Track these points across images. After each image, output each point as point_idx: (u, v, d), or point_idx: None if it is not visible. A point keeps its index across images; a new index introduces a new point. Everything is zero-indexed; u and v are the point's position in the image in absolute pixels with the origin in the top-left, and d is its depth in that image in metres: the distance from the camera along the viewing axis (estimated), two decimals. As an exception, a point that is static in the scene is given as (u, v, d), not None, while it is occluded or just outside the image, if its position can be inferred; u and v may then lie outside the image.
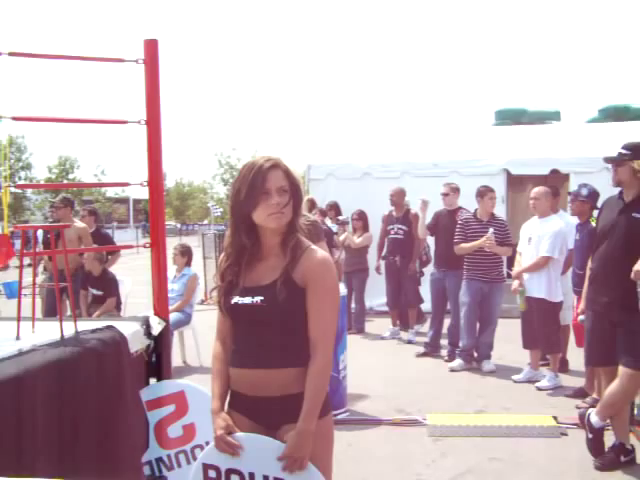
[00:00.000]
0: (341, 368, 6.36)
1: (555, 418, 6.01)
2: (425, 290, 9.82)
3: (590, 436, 5.00)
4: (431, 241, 9.28)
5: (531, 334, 7.42)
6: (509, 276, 8.28)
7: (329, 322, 2.60)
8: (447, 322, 8.79)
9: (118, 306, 8.43)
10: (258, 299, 2.54)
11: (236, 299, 2.60)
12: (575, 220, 7.34)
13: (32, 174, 46.55)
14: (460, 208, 8.78)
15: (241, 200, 2.55)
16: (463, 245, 8.08)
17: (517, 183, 12.09)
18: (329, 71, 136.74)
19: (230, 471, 2.57)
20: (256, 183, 2.52)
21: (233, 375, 2.65)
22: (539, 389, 7.15)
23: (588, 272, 5.54)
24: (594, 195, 7.13)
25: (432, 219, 9.01)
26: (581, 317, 6.06)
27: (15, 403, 2.45)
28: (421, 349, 9.05)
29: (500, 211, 9.72)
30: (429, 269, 9.58)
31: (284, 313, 2.53)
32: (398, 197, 9.96)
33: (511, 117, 17.76)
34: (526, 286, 7.38)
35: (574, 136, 12.97)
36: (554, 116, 18.26)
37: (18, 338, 3.10)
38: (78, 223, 8.74)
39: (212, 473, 2.62)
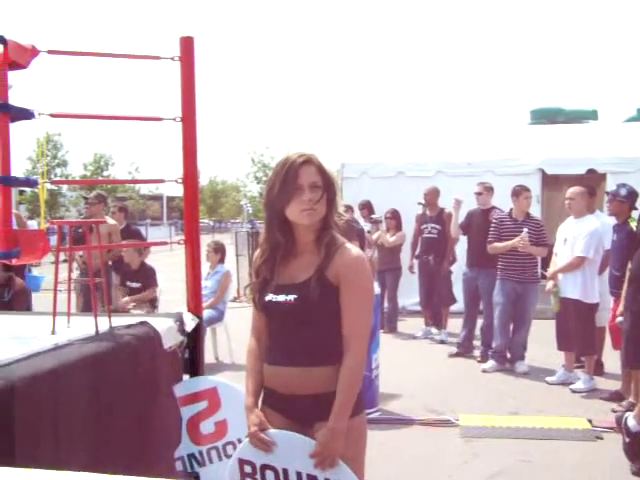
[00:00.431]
0: (373, 367, 6.34)
1: (590, 421, 5.94)
2: (456, 289, 9.77)
3: (627, 440, 4.93)
4: (464, 240, 9.21)
5: (566, 336, 7.33)
6: (544, 277, 8.18)
7: (363, 320, 2.58)
8: (480, 322, 8.73)
9: (153, 302, 8.51)
10: (292, 297, 2.54)
11: (270, 297, 2.59)
12: (612, 220, 7.24)
13: (68, 171, 47.02)
14: (493, 207, 8.71)
15: (274, 196, 2.54)
16: (496, 244, 8.02)
17: (552, 183, 11.95)
18: (366, 69, 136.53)
19: (265, 467, 2.58)
20: (288, 179, 2.51)
21: (267, 372, 2.65)
22: (573, 391, 7.05)
23: (627, 273, 5.45)
24: (633, 195, 7.03)
25: (465, 218, 8.95)
26: (619, 319, 5.98)
27: (52, 396, 2.47)
28: (454, 349, 9.00)
29: (535, 211, 9.62)
30: (460, 268, 9.51)
31: (318, 311, 2.52)
32: (432, 196, 9.91)
33: (547, 116, 17.56)
34: (561, 287, 7.29)
35: (611, 135, 12.80)
36: (591, 115, 18.02)
37: (54, 333, 3.13)
38: (109, 220, 8.83)
39: (248, 468, 2.63)
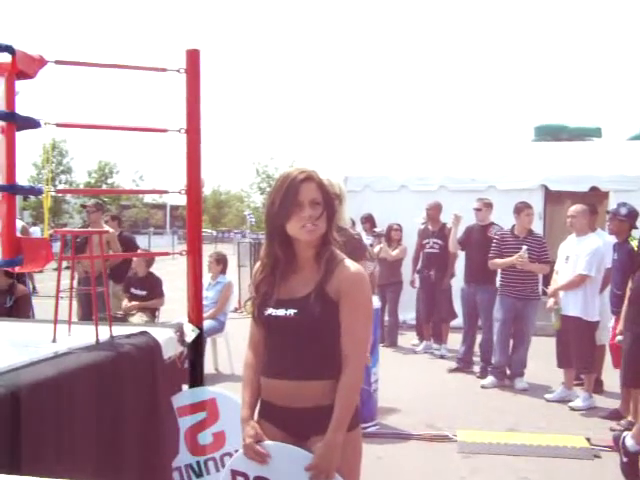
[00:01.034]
0: (373, 381, 6.34)
1: (588, 439, 5.93)
2: (455, 305, 9.80)
3: (625, 460, 4.92)
4: (462, 255, 9.22)
5: (566, 353, 7.33)
6: (545, 294, 8.19)
7: (362, 336, 2.60)
8: (479, 337, 8.73)
9: (154, 311, 8.54)
10: (292, 312, 2.55)
11: (270, 311, 2.61)
12: (613, 239, 7.25)
13: (72, 178, 47.22)
14: (492, 224, 8.74)
15: (275, 211, 2.56)
16: (497, 261, 8.03)
17: (555, 199, 11.97)
18: (368, 84, 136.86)
19: (258, 478, 2.58)
20: (289, 195, 2.53)
21: (264, 385, 2.67)
22: (572, 409, 7.05)
23: (628, 292, 5.46)
24: (633, 214, 7.04)
25: (463, 233, 8.97)
26: (619, 337, 5.98)
27: (53, 404, 2.48)
28: (453, 364, 8.99)
29: (537, 227, 9.65)
30: (458, 283, 9.51)
31: (317, 326, 2.54)
32: (434, 211, 9.93)
33: (551, 133, 17.60)
34: (562, 304, 7.30)
35: (615, 153, 12.81)
36: (595, 133, 18.06)
37: (54, 341, 3.14)
38: (107, 228, 8.86)
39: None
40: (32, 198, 37.04)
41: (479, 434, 6.10)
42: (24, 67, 3.14)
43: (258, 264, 2.75)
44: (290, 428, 2.58)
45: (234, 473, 2.66)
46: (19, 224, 10.77)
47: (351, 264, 2.61)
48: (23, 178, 34.98)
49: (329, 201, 2.59)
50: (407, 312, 11.20)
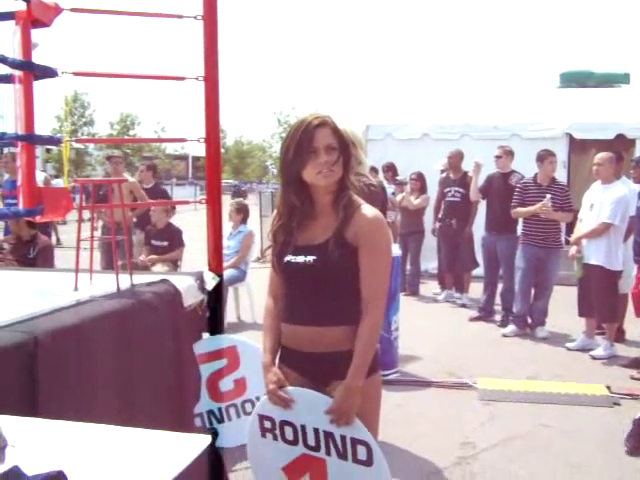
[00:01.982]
0: (393, 329, 6.37)
1: (608, 387, 5.94)
2: (477, 254, 9.78)
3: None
4: (483, 204, 9.15)
5: (588, 302, 7.30)
6: (568, 242, 8.13)
7: (381, 281, 2.60)
8: (500, 286, 8.73)
9: (175, 261, 8.60)
10: (311, 258, 2.56)
11: (289, 257, 2.62)
12: (638, 187, 7.15)
13: (94, 130, 47.29)
14: (513, 171, 8.65)
15: (290, 159, 2.55)
16: (520, 209, 7.97)
17: (580, 148, 11.81)
18: (390, 30, 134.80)
19: (284, 423, 2.65)
20: (303, 142, 2.51)
21: (285, 331, 2.69)
22: (593, 358, 7.05)
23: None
24: (659, 162, 6.93)
25: (484, 182, 8.91)
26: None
27: (74, 350, 2.52)
28: (475, 313, 9.01)
29: (561, 176, 9.52)
30: (479, 232, 9.45)
31: (336, 272, 2.55)
32: (456, 160, 9.84)
33: (576, 80, 17.21)
34: (584, 253, 7.25)
35: (643, 100, 12.56)
36: (623, 79, 17.64)
37: (76, 289, 3.18)
38: (129, 177, 8.88)
39: (267, 424, 2.70)
40: (55, 150, 37.26)
41: (499, 382, 6.13)
42: (39, 15, 3.11)
43: (275, 212, 2.75)
44: (310, 373, 2.61)
45: (261, 417, 2.72)
46: (42, 176, 10.90)
47: (369, 209, 2.60)
48: (46, 131, 35.12)
49: (345, 146, 2.57)
50: (429, 261, 11.20)
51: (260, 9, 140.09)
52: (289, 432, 2.64)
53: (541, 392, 5.89)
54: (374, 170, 10.30)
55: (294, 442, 2.64)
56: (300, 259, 2.58)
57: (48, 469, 1.30)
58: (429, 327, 8.31)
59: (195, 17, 3.71)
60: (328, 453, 2.57)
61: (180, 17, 3.71)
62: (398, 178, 10.93)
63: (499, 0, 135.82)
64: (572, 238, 7.52)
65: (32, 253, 6.60)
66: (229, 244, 8.42)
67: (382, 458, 2.50)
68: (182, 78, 3.78)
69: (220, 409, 3.63)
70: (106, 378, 2.71)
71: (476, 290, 9.56)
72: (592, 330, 7.46)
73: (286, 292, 2.71)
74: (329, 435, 2.55)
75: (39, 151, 30.23)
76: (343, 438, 2.53)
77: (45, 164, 38.63)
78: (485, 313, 8.87)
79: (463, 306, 9.69)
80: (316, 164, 2.51)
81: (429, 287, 10.88)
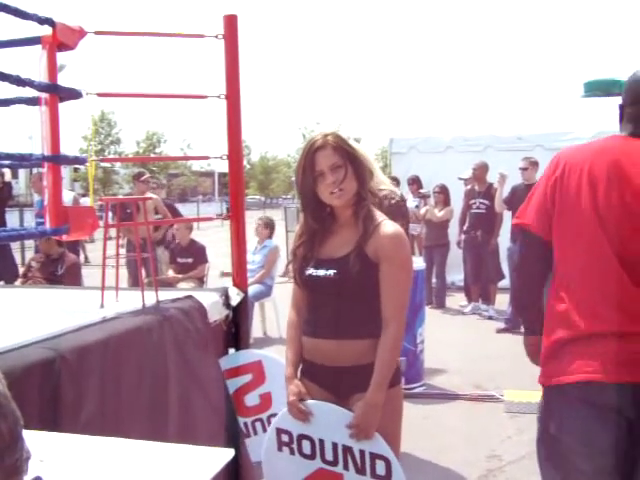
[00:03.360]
0: (419, 342, 6.37)
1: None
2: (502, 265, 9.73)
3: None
4: (508, 215, 9.11)
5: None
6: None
7: (401, 297, 2.61)
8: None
9: (201, 278, 8.66)
10: (331, 272, 2.58)
11: (310, 271, 2.65)
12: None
13: (121, 149, 47.77)
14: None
15: (301, 183, 2.63)
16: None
17: (605, 157, 11.70)
18: (414, 45, 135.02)
19: (302, 436, 2.65)
20: (307, 167, 2.59)
21: (306, 344, 2.71)
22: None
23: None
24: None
25: (509, 193, 8.88)
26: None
27: (99, 367, 2.56)
28: (501, 325, 8.95)
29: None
30: (504, 243, 9.39)
31: (357, 286, 2.57)
32: (481, 171, 9.82)
33: (601, 88, 17.04)
34: None
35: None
36: (649, 87, 17.48)
37: (102, 306, 3.23)
38: (152, 195, 8.99)
39: (285, 437, 2.71)
40: (82, 169, 37.71)
41: (526, 394, 6.07)
42: (64, 39, 3.18)
43: (298, 227, 2.79)
44: (331, 387, 2.63)
45: (279, 431, 2.74)
46: (70, 195, 11.05)
47: (390, 225, 2.62)
48: (74, 150, 35.60)
49: (352, 159, 2.60)
50: (455, 274, 11.15)
51: (282, 26, 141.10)
52: (306, 446, 2.65)
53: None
54: (395, 181, 10.31)
55: (311, 456, 2.64)
56: (321, 272, 2.61)
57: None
58: (455, 340, 8.27)
59: (216, 36, 3.78)
60: (346, 468, 2.57)
61: (202, 37, 3.78)
62: (422, 191, 10.93)
63: (522, 11, 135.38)
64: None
65: (60, 271, 6.69)
66: (254, 259, 8.47)
67: (401, 473, 2.49)
68: (204, 97, 3.84)
69: (246, 423, 3.64)
70: (131, 394, 2.75)
71: (502, 302, 9.49)
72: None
73: (307, 305, 2.74)
74: (347, 450, 2.55)
75: (67, 170, 30.61)
76: (362, 453, 2.53)
77: (73, 183, 39.11)
78: (512, 325, 8.81)
79: (490, 318, 9.63)
80: (326, 186, 2.56)
81: (456, 299, 10.84)
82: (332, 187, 2.55)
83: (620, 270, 2.25)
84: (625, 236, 2.27)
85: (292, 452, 2.69)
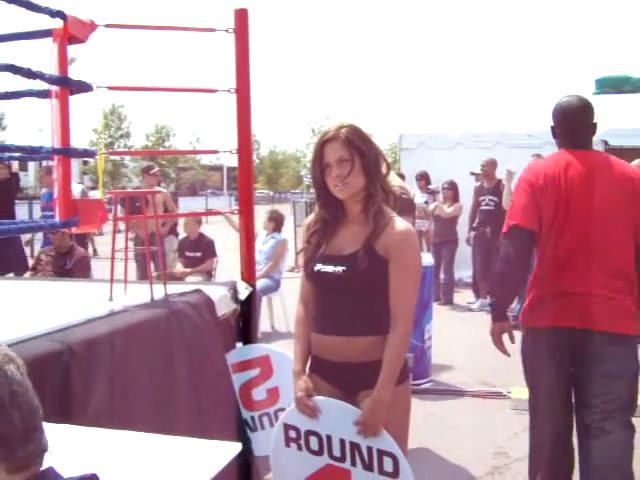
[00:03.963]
0: (426, 338, 6.36)
1: (646, 396, 5.86)
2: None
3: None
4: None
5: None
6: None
7: (410, 295, 2.61)
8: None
9: (210, 272, 8.67)
10: (340, 269, 2.58)
11: (319, 266, 2.65)
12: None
13: (131, 142, 47.89)
14: None
15: (313, 174, 2.67)
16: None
17: (616, 154, 11.58)
18: (423, 40, 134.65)
19: (309, 432, 2.65)
20: (317, 159, 2.62)
21: (314, 340, 2.71)
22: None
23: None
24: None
25: None
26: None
27: (107, 359, 2.57)
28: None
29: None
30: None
31: (365, 283, 2.56)
32: (490, 168, 9.80)
33: (613, 85, 16.96)
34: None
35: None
36: (661, 83, 17.38)
37: (111, 299, 3.23)
38: (161, 189, 9.01)
39: (292, 433, 2.71)
40: (92, 162, 37.81)
41: (534, 391, 6.06)
42: (75, 32, 3.18)
43: (312, 216, 2.81)
44: (339, 383, 2.63)
45: (286, 427, 2.74)
46: (79, 188, 11.07)
47: (400, 222, 2.61)
48: (83, 143, 35.70)
49: (363, 154, 2.60)
50: (463, 270, 11.13)
51: (293, 20, 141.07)
52: (314, 442, 2.65)
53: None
54: (401, 177, 10.29)
55: (319, 452, 2.64)
56: (329, 268, 2.61)
57: (81, 473, 1.33)
58: (463, 336, 8.25)
59: (227, 30, 3.77)
60: (354, 464, 2.57)
61: (212, 30, 3.78)
62: (431, 187, 10.90)
63: (533, 7, 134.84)
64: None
65: (69, 264, 6.69)
66: (262, 249, 8.48)
67: (409, 469, 2.50)
68: (214, 90, 3.84)
69: (253, 418, 3.65)
70: (139, 386, 2.75)
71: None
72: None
73: (315, 301, 2.74)
74: (355, 446, 2.55)
75: (76, 163, 30.68)
76: (369, 449, 2.53)
77: (82, 176, 39.20)
78: (519, 321, 8.77)
79: (498, 315, 9.58)
80: (331, 178, 2.59)
81: (463, 296, 10.81)
82: (336, 180, 2.57)
83: (578, 250, 3.28)
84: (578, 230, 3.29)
85: (300, 448, 2.69)
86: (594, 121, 3.60)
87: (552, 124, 3.55)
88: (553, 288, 3.35)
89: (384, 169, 2.72)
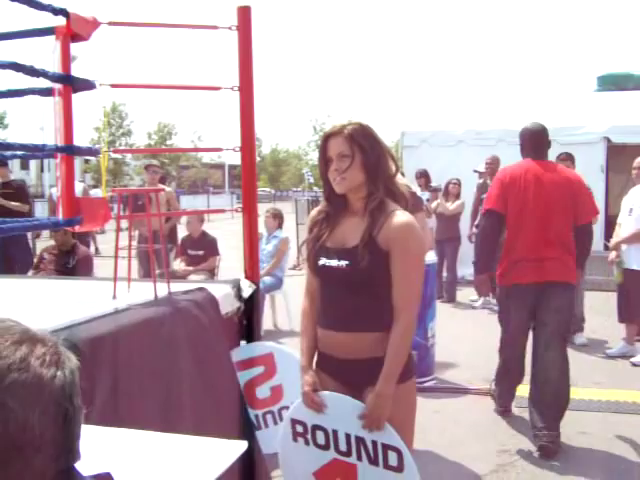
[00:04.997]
0: (430, 336, 6.35)
1: (649, 394, 5.88)
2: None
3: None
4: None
5: (628, 307, 7.19)
6: (607, 248, 8.01)
7: (413, 287, 2.61)
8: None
9: (212, 270, 8.66)
10: (344, 263, 2.58)
11: (323, 261, 2.65)
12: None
13: (132, 140, 47.91)
14: None
15: (319, 164, 2.72)
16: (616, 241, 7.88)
17: (618, 152, 11.65)
18: (425, 37, 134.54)
19: (315, 427, 2.68)
20: (322, 151, 2.68)
21: (320, 335, 2.73)
22: (634, 365, 6.94)
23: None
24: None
25: None
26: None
27: (112, 358, 2.56)
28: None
29: (599, 180, 9.39)
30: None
31: (368, 278, 2.56)
32: (495, 165, 9.79)
33: (615, 82, 16.93)
34: (624, 258, 7.15)
35: (684, 102, 12.34)
36: (664, 81, 17.34)
37: (114, 298, 3.22)
38: (165, 187, 9.00)
39: (299, 428, 2.73)
40: (93, 161, 37.84)
41: (537, 389, 6.05)
42: (78, 29, 3.17)
43: (319, 207, 2.83)
44: (345, 379, 2.64)
45: (294, 422, 2.76)
46: (80, 186, 11.06)
47: (402, 214, 2.61)
48: (86, 142, 35.71)
49: (365, 150, 2.61)
50: (466, 267, 11.12)
51: (295, 18, 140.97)
52: (321, 437, 2.67)
53: (580, 399, 5.81)
54: (401, 174, 10.23)
55: (325, 447, 2.66)
56: (334, 262, 2.61)
57: (93, 472, 1.32)
58: (466, 334, 8.25)
59: (230, 28, 3.76)
60: (359, 458, 2.59)
61: (215, 28, 3.77)
62: (432, 185, 10.90)
63: (535, 4, 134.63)
64: (611, 243, 7.42)
65: (71, 263, 6.68)
66: (265, 247, 8.48)
67: (413, 464, 2.51)
68: (217, 88, 3.83)
69: (257, 416, 3.64)
70: (143, 384, 2.74)
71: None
72: (632, 336, 7.34)
73: (320, 295, 2.74)
74: (360, 440, 2.57)
75: (77, 162, 30.71)
76: (374, 444, 2.54)
77: (84, 174, 39.22)
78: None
79: (501, 312, 9.58)
80: (331, 172, 2.64)
81: (466, 294, 10.81)
82: (334, 174, 2.62)
83: (534, 229, 4.78)
84: (535, 215, 4.78)
85: (307, 442, 2.72)
86: (549, 139, 5.26)
87: (520, 142, 5.19)
88: (517, 257, 4.83)
89: (392, 169, 2.72)
